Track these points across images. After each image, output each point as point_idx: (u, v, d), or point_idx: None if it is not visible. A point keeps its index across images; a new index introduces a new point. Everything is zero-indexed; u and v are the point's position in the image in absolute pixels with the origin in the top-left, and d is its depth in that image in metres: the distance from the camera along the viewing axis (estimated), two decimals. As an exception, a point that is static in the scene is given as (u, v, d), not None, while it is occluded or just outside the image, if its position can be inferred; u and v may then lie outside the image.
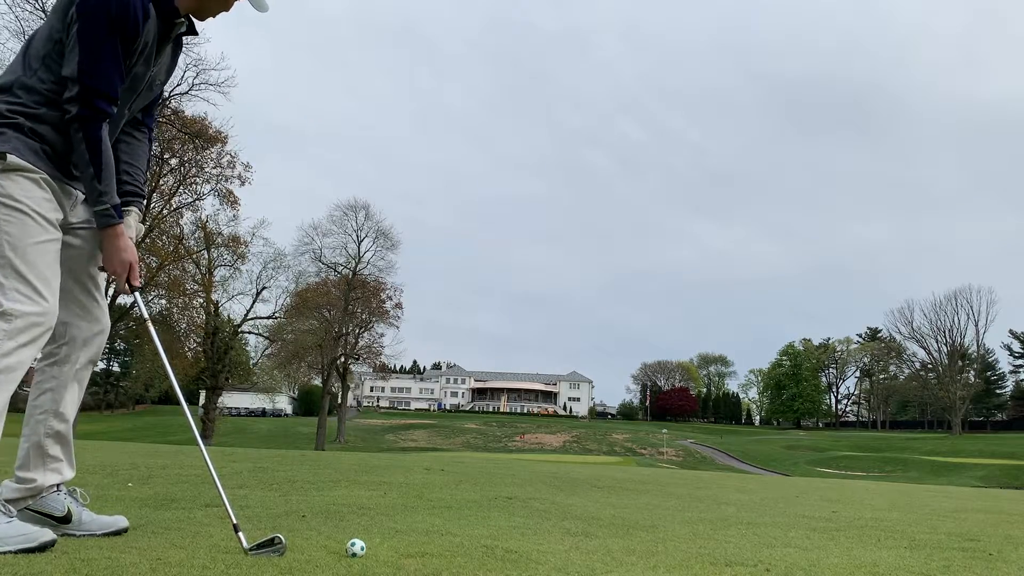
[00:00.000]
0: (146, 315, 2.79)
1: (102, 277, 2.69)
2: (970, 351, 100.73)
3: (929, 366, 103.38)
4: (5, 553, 2.10)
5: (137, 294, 2.63)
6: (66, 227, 2.55)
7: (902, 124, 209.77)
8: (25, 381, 2.44)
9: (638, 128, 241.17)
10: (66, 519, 2.51)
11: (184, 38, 2.78)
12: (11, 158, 2.31)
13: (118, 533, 2.61)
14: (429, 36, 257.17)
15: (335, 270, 60.52)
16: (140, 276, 2.61)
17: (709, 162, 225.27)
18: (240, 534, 2.40)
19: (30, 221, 2.31)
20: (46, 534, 2.19)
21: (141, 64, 2.54)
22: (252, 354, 59.49)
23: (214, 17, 2.69)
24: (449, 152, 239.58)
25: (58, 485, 2.56)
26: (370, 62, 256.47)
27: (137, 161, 2.78)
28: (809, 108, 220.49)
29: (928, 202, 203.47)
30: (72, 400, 2.59)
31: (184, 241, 41.21)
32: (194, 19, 2.68)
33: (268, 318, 52.31)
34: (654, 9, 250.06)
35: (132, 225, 2.68)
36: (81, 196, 2.57)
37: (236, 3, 2.65)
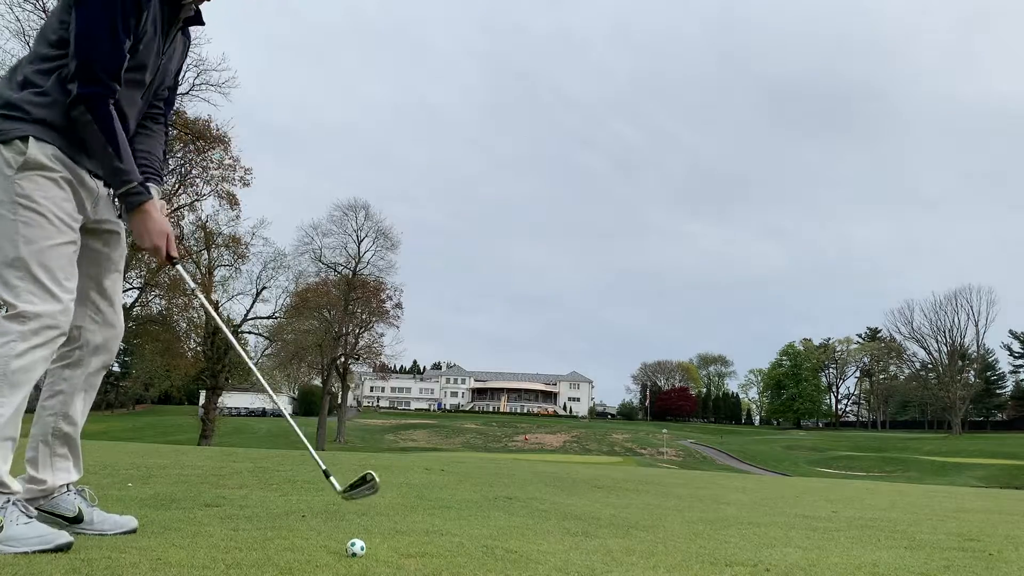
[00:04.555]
0: (192, 284, 2.82)
1: (119, 282, 2.67)
2: (970, 351, 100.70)
3: (929, 366, 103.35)
4: (22, 553, 2.08)
5: (180, 266, 2.66)
6: (89, 227, 2.50)
7: (901, 124, 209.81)
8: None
9: (636, 128, 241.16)
10: (77, 519, 2.51)
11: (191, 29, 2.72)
12: (31, 154, 2.26)
13: (129, 533, 2.60)
14: (425, 38, 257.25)
15: (335, 270, 60.61)
16: (177, 249, 2.59)
17: (708, 162, 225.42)
18: (332, 479, 2.61)
19: (47, 223, 2.28)
20: (63, 536, 2.18)
21: (150, 48, 2.45)
22: (252, 354, 59.46)
23: None
24: (448, 152, 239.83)
25: (67, 485, 2.56)
26: (368, 64, 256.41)
27: (154, 150, 2.72)
28: (809, 108, 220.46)
29: (928, 202, 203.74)
30: (82, 403, 2.58)
31: (184, 241, 41.22)
32: (200, 6, 2.60)
33: (268, 318, 52.31)
34: (647, 9, 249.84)
35: (157, 196, 2.59)
36: (103, 192, 2.51)
37: None
